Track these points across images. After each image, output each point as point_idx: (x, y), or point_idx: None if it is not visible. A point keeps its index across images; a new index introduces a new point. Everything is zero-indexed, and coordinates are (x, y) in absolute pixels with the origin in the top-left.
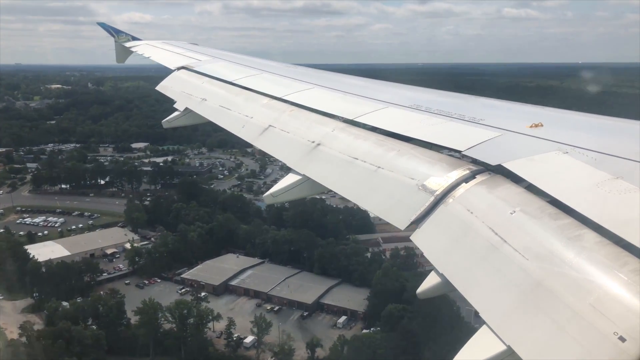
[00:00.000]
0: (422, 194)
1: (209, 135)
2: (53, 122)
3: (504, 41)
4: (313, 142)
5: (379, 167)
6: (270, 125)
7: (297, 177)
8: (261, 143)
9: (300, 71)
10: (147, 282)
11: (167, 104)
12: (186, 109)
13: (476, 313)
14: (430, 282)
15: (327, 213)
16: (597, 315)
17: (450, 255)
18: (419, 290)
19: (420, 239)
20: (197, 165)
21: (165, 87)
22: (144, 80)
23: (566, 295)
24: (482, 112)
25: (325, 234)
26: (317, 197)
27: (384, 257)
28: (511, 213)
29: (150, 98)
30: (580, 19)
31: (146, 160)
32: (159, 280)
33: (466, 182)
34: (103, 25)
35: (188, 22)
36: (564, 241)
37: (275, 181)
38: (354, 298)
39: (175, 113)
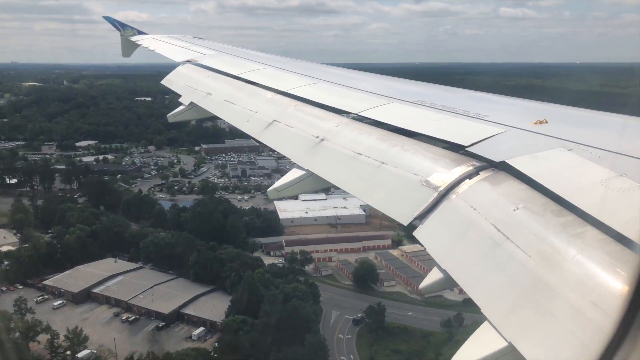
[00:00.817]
0: (425, 190)
1: (159, 132)
2: (6, 119)
3: (503, 41)
4: (317, 137)
5: (383, 162)
6: (274, 120)
7: (301, 172)
8: (265, 138)
9: (305, 65)
10: (5, 289)
11: (127, 100)
12: (191, 103)
13: (355, 321)
14: (432, 277)
15: (229, 215)
16: (599, 313)
17: (452, 251)
18: (422, 285)
19: (423, 235)
20: (129, 163)
21: (170, 81)
22: (122, 79)
23: (568, 292)
24: (487, 108)
25: (224, 236)
26: (221, 198)
27: (281, 262)
28: (514, 210)
29: (111, 96)
30: (577, 19)
31: (78, 159)
32: (20, 287)
33: (470, 179)
34: (109, 19)
35: (185, 21)
36: (567, 238)
37: (204, 181)
38: (219, 307)
39: (180, 107)
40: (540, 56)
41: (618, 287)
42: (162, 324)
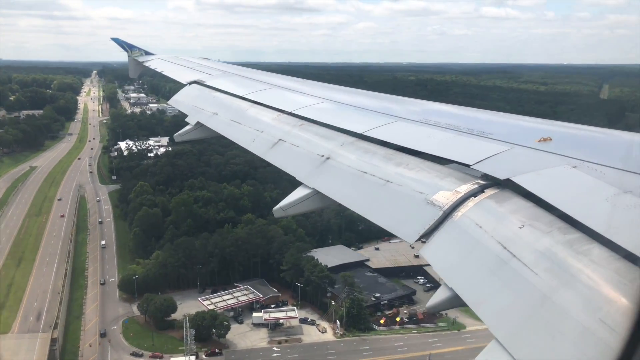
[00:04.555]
0: (430, 208)
1: None
2: None
3: (494, 41)
4: (322, 156)
5: (388, 181)
6: (280, 140)
7: (307, 191)
8: (271, 157)
9: (309, 85)
10: None
11: None
12: (197, 123)
13: None
14: (439, 296)
15: None
16: (607, 330)
17: (459, 270)
18: (429, 304)
19: (429, 253)
20: None
21: (177, 101)
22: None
23: (576, 310)
24: (491, 126)
25: None
26: None
27: None
28: (520, 227)
29: None
30: (562, 20)
31: None
32: None
33: (475, 196)
34: (117, 41)
35: (167, 19)
36: (573, 256)
37: None
38: None
39: (187, 127)
40: (532, 57)
41: (626, 304)
42: None
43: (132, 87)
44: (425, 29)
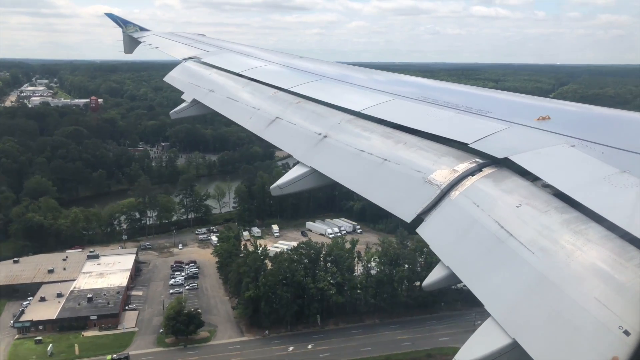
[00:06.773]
0: (428, 187)
1: None
2: None
3: (488, 41)
4: (320, 134)
5: (386, 159)
6: (277, 117)
7: (304, 169)
8: (268, 135)
9: (306, 62)
10: None
11: None
12: (194, 100)
13: None
14: (436, 274)
15: None
16: (602, 309)
17: (456, 248)
18: (425, 282)
19: (427, 232)
20: None
21: (172, 78)
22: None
23: (571, 289)
24: (490, 104)
25: None
26: None
27: None
28: (517, 206)
29: None
30: (554, 19)
31: None
32: None
33: (472, 175)
34: (111, 16)
35: (155, 16)
36: (570, 235)
37: None
38: None
39: (183, 104)
40: (528, 57)
41: (621, 283)
42: None
43: (45, 81)
44: (418, 28)
